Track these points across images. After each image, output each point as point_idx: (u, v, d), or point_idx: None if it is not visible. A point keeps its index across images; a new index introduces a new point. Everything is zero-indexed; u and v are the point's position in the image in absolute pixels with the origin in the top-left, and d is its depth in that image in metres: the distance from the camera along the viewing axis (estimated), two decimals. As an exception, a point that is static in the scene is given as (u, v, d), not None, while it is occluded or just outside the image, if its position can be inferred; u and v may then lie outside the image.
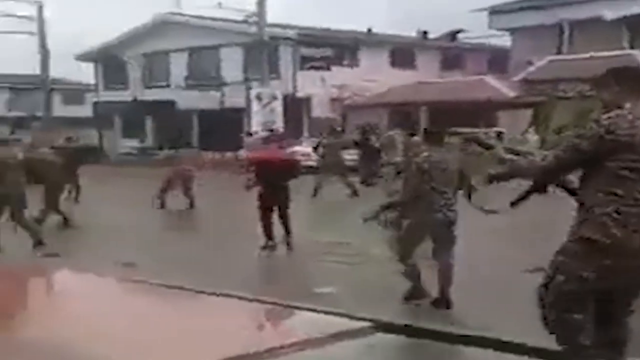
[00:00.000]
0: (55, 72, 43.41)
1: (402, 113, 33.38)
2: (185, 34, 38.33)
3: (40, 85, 42.97)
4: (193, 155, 26.08)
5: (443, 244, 7.37)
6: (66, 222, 14.30)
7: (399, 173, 9.50)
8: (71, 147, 20.21)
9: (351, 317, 2.52)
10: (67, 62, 50.08)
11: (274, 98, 33.78)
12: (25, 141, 16.18)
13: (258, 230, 11.23)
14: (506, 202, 4.53)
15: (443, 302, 7.35)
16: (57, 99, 46.85)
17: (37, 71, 42.54)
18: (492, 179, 4.69)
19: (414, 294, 7.53)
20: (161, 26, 39.70)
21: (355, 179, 20.03)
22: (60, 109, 46.03)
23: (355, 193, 18.55)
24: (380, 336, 2.36)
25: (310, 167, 18.10)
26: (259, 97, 33.66)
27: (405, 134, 15.82)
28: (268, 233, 11.06)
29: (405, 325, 2.48)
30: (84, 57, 43.78)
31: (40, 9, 41.77)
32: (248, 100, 33.96)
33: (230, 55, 37.67)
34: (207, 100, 37.24)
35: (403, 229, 7.59)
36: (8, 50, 56.93)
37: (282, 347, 2.18)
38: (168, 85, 39.64)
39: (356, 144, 22.17)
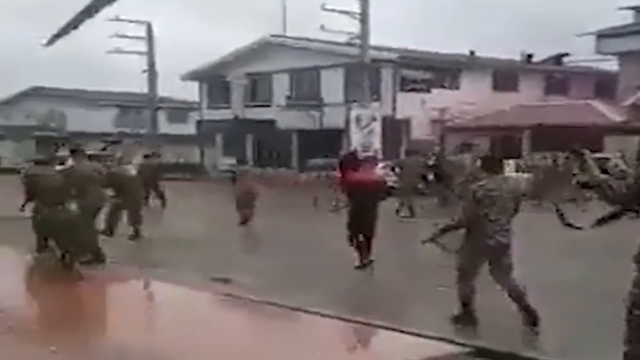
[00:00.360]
0: (161, 90, 44.77)
1: (503, 137, 32.77)
2: (287, 56, 38.81)
3: (146, 104, 44.33)
4: (290, 175, 26.47)
5: (498, 267, 7.45)
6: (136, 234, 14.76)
7: (461, 197, 9.48)
8: (155, 163, 22.40)
9: (448, 341, 2.42)
10: (172, 81, 51.63)
11: (373, 119, 33.65)
12: (116, 156, 16.83)
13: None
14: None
15: (527, 319, 7.32)
16: (162, 116, 48.26)
17: (144, 89, 43.94)
18: (581, 185, 4.61)
19: (461, 317, 7.51)
20: (264, 47, 40.31)
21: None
22: (164, 127, 47.37)
23: (410, 214, 18.87)
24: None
25: (392, 187, 18.28)
26: (358, 119, 33.60)
27: (474, 158, 15.77)
28: (361, 252, 11.07)
29: (504, 352, 2.39)
30: (188, 77, 44.93)
31: (149, 28, 43.15)
32: (347, 121, 33.96)
33: (330, 76, 37.86)
34: (306, 120, 37.54)
35: (461, 252, 7.69)
36: (117, 68, 59.04)
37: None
38: (269, 105, 40.17)
39: (429, 168, 22.39)
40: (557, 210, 5.64)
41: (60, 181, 11.15)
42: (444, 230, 7.94)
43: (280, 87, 40.05)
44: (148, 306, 3.29)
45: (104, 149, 34.75)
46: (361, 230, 11.09)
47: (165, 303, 3.15)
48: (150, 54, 43.24)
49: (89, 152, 12.90)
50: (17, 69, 74.17)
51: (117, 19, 42.07)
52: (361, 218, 11.10)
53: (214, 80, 43.02)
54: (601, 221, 4.52)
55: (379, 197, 11.57)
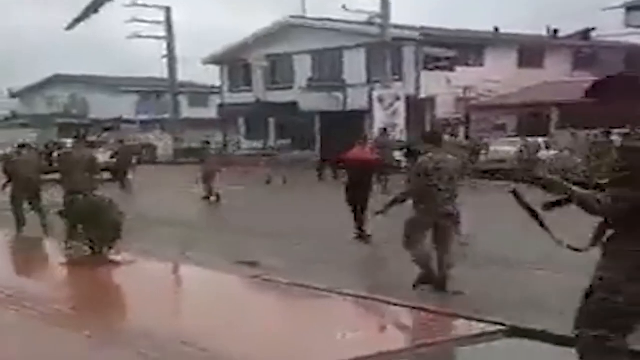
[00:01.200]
0: (182, 75, 44.68)
1: (530, 114, 32.22)
2: (308, 37, 38.55)
3: (167, 89, 44.28)
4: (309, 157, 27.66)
5: (442, 234, 8.12)
6: None
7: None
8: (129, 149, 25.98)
9: (481, 321, 2.46)
10: (193, 65, 51.52)
11: (397, 99, 33.37)
12: (110, 143, 18.43)
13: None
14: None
15: (441, 283, 8.09)
16: (184, 101, 48.19)
17: (165, 74, 43.88)
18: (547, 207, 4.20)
19: (423, 279, 8.13)
20: (285, 29, 40.08)
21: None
22: (187, 111, 47.32)
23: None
24: (511, 341, 2.28)
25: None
26: (381, 99, 33.35)
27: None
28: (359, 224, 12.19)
29: (539, 331, 2.38)
30: (209, 60, 44.72)
31: (168, 12, 43.04)
32: (370, 102, 33.69)
33: (353, 57, 37.55)
34: (329, 101, 37.20)
35: (408, 221, 8.26)
36: (138, 54, 58.99)
37: (408, 349, 2.14)
38: (291, 87, 39.92)
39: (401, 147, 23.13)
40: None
41: (37, 166, 13.28)
42: (394, 202, 8.65)
43: (302, 68, 39.75)
44: (176, 289, 3.45)
45: (99, 136, 36.50)
46: (357, 203, 12.21)
47: (193, 286, 3.27)
48: (169, 38, 43.20)
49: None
50: (39, 56, 74.69)
51: (136, 4, 42.08)
52: (355, 191, 12.28)
53: (234, 63, 42.80)
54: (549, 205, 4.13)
55: (370, 173, 13.17)
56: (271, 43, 40.13)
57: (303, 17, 40.14)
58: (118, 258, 8.39)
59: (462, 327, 2.43)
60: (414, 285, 8.06)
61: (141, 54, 64.89)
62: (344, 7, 34.41)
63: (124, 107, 49.97)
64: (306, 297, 2.86)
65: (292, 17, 40.27)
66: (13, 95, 59.15)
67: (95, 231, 9.47)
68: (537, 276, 8.96)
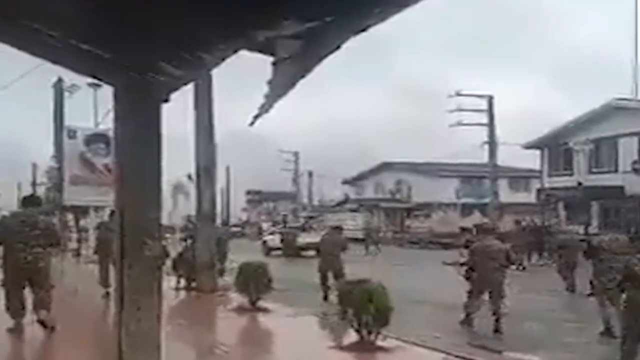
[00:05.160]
0: (501, 159, 45.26)
1: None
2: (635, 118, 37.05)
3: (487, 173, 45.00)
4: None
5: None
6: None
7: None
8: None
9: None
10: (513, 149, 51.89)
11: None
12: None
13: None
14: None
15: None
16: (503, 185, 48.50)
17: (485, 159, 44.71)
18: None
19: None
20: (610, 111, 38.96)
21: None
22: (506, 195, 47.56)
23: None
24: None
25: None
26: None
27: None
28: None
29: None
30: (530, 145, 44.82)
31: (490, 101, 44.03)
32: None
33: (685, 138, 35.35)
34: (658, 185, 35.23)
35: None
36: (459, 141, 60.75)
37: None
38: (616, 171, 38.48)
39: None
40: None
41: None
42: None
43: (628, 151, 38.17)
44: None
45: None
46: None
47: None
48: (490, 125, 44.00)
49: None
50: (369, 146, 79.94)
51: (459, 94, 43.86)
52: None
53: (555, 147, 42.44)
54: None
55: None
56: (594, 126, 39.25)
57: (629, 99, 38.81)
58: (384, 344, 9.01)
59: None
60: None
61: (462, 140, 66.69)
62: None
63: (446, 191, 51.51)
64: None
65: (618, 99, 39.11)
66: (345, 182, 64.00)
67: (365, 316, 9.69)
68: None
